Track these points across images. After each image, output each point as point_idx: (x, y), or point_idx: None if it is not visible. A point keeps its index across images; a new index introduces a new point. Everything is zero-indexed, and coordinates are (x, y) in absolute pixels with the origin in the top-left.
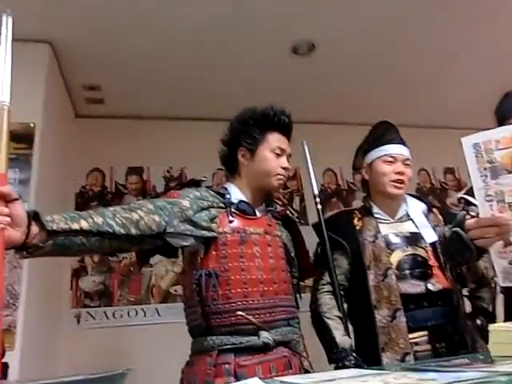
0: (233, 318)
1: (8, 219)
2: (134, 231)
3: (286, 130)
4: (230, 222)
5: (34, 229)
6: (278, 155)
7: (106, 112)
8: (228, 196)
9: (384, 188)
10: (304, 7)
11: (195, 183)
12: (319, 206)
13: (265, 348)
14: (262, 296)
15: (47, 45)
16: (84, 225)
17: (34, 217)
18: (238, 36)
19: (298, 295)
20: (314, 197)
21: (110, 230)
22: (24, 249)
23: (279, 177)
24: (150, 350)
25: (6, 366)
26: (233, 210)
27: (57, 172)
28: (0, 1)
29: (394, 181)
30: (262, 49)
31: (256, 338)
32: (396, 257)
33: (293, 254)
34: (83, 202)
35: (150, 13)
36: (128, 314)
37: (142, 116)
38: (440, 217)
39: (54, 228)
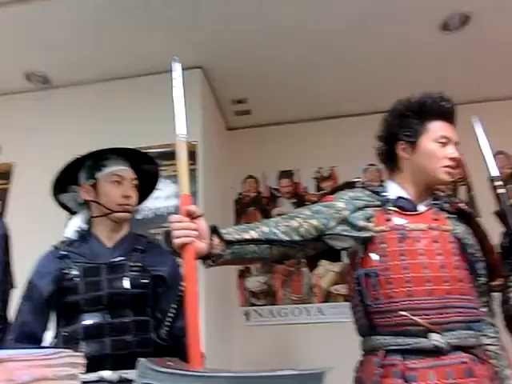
0: (397, 318)
1: (196, 233)
2: (296, 237)
3: (448, 116)
4: (388, 220)
5: (215, 240)
6: (444, 144)
7: (253, 122)
8: (384, 193)
9: None
10: None
11: (349, 185)
12: (502, 190)
13: (437, 351)
14: (429, 295)
15: (199, 69)
16: (253, 234)
17: (213, 230)
18: (381, 22)
19: (489, 298)
20: (492, 179)
21: (276, 238)
22: (208, 258)
23: (447, 169)
24: (316, 348)
25: (203, 355)
26: (390, 207)
27: (217, 182)
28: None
29: None
30: (407, 30)
31: (425, 339)
32: None
33: (473, 250)
34: (241, 208)
35: (289, 24)
36: (292, 312)
37: (288, 121)
38: None
39: (230, 238)
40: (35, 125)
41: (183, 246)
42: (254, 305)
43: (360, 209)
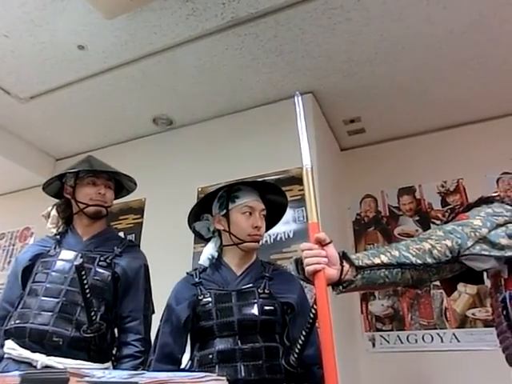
0: None
1: (326, 259)
2: (429, 260)
3: None
4: None
5: (346, 266)
6: None
7: (367, 140)
8: None
9: None
10: None
11: (484, 201)
12: None
13: None
14: None
15: (310, 94)
16: (384, 258)
17: (342, 256)
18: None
19: None
20: None
21: (408, 261)
22: (339, 285)
23: None
24: (450, 378)
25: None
26: None
27: (334, 204)
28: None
29: None
30: None
31: None
32: None
33: None
34: (360, 228)
35: (397, 37)
36: (423, 338)
37: (404, 135)
38: None
39: (361, 264)
40: (161, 162)
41: (315, 272)
42: (379, 330)
43: (500, 225)
